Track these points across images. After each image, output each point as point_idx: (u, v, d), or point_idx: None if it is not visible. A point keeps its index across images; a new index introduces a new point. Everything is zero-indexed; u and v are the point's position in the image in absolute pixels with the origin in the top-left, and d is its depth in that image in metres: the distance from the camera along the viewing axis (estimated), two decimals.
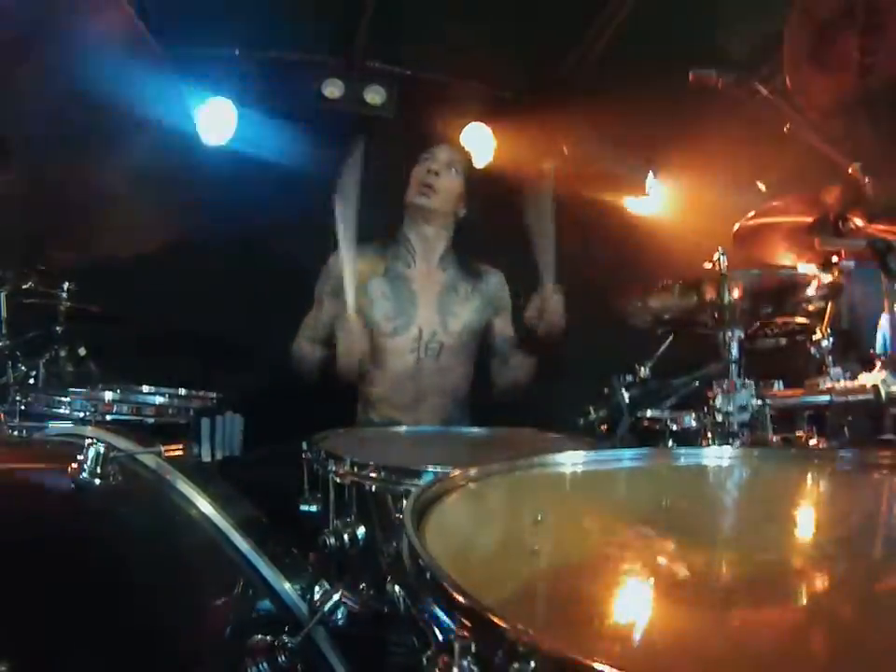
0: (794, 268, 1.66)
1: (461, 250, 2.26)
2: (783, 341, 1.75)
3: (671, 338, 1.73)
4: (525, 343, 2.16)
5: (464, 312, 2.18)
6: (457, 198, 2.20)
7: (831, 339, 1.56)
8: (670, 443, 1.46)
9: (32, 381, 1.86)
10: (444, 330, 2.15)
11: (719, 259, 1.38)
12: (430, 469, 1.09)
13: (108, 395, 1.73)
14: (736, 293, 1.36)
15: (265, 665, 0.78)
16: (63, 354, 2.13)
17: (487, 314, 2.24)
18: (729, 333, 1.34)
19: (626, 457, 0.99)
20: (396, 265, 2.19)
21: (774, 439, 1.32)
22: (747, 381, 1.29)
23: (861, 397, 1.33)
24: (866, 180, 1.44)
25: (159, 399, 1.78)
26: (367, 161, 1.91)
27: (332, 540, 1.11)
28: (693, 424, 1.43)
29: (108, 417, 1.65)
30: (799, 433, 1.50)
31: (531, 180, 2.07)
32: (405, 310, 2.14)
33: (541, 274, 1.98)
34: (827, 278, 1.39)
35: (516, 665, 0.40)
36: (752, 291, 1.39)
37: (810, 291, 1.42)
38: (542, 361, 2.16)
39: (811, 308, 1.53)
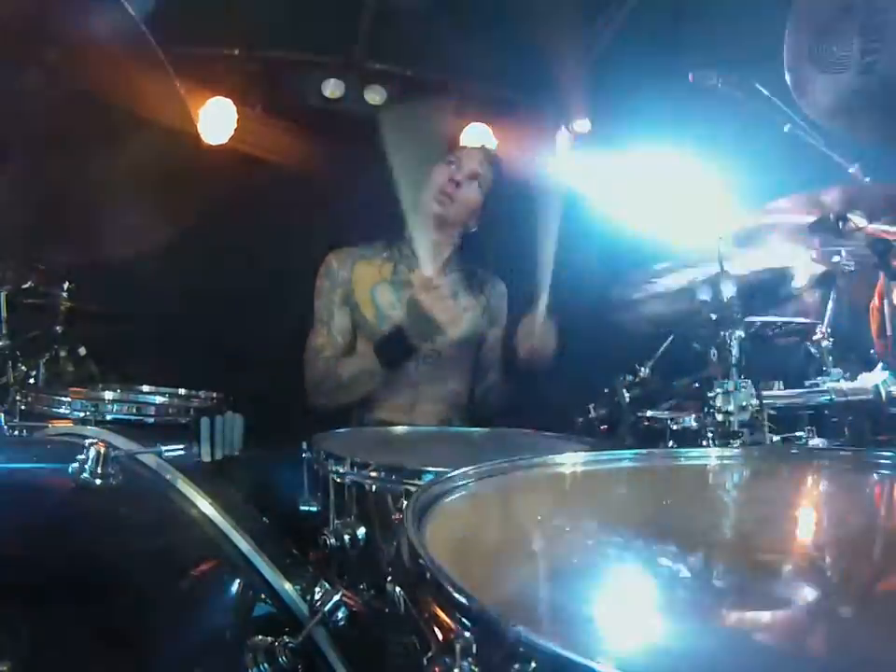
0: (786, 263, 1.66)
1: (465, 257, 2.23)
2: (784, 341, 1.75)
3: (671, 338, 1.73)
4: (508, 364, 2.13)
5: (462, 320, 2.14)
6: (472, 212, 2.15)
7: (831, 339, 1.56)
8: (670, 443, 1.46)
9: (32, 381, 1.86)
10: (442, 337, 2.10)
11: (717, 252, 1.38)
12: (430, 469, 1.09)
13: (108, 395, 1.73)
14: (734, 290, 1.36)
15: (265, 665, 0.78)
16: (63, 354, 2.13)
17: (484, 324, 2.21)
18: (729, 333, 1.34)
19: (626, 457, 0.99)
20: (401, 269, 2.15)
21: (773, 438, 1.32)
22: (746, 381, 1.29)
23: (861, 397, 1.34)
24: (866, 179, 1.44)
25: (159, 399, 1.77)
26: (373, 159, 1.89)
27: (332, 540, 1.11)
28: (693, 424, 1.43)
29: (108, 417, 1.65)
30: (799, 433, 1.50)
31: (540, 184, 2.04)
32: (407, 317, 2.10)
33: (536, 296, 1.91)
34: (819, 269, 1.39)
35: (517, 666, 0.40)
36: (747, 287, 1.39)
37: (802, 283, 1.42)
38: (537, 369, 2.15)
39: (805, 299, 1.53)
